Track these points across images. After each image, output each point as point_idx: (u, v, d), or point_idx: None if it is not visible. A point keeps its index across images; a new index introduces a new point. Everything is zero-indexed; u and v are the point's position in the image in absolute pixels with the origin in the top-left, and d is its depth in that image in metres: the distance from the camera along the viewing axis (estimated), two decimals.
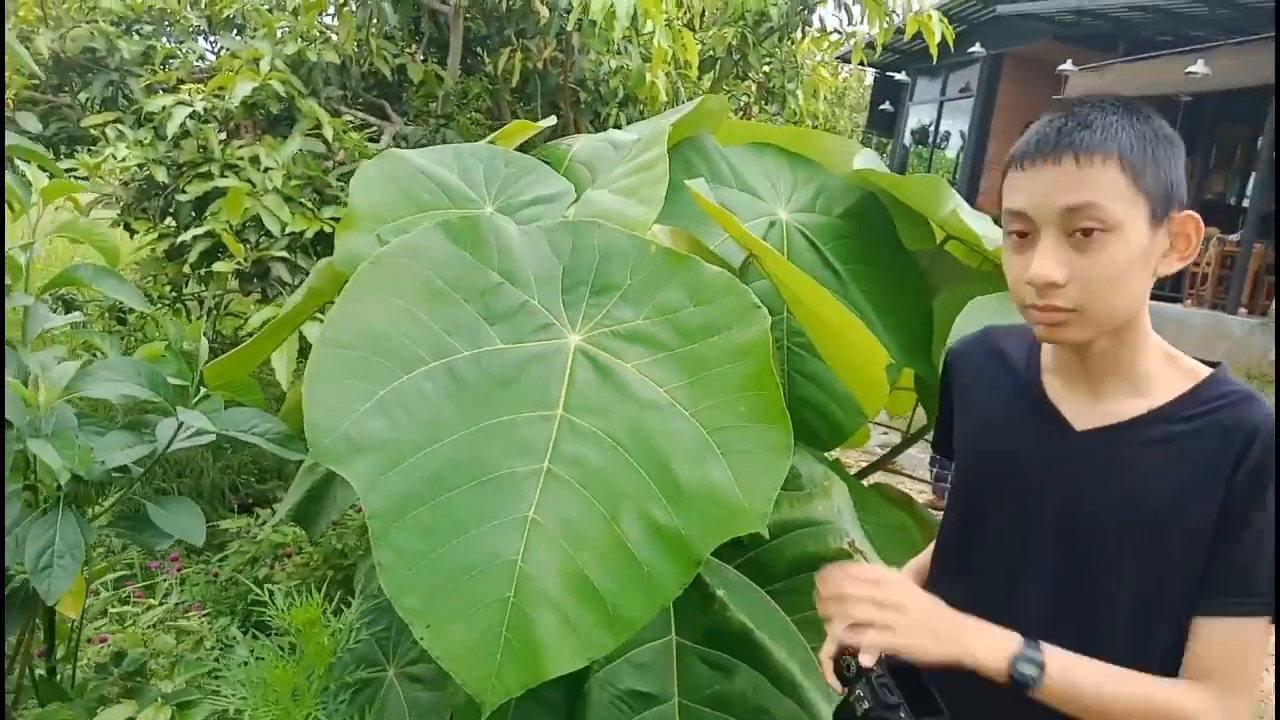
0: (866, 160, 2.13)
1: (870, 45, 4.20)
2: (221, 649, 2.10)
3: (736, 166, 2.08)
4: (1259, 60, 10.48)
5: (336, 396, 1.25)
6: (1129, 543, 1.04)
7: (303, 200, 3.33)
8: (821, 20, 3.96)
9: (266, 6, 3.83)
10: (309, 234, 3.32)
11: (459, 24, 4.30)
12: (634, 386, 1.30)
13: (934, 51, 4.03)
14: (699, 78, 4.14)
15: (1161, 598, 1.02)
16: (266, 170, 3.29)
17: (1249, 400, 1.03)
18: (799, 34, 4.39)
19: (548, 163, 1.93)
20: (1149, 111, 1.04)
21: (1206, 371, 1.07)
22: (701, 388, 1.29)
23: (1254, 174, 13.92)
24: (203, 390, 1.49)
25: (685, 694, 1.54)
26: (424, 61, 4.35)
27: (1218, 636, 1.00)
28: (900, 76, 16.79)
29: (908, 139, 17.51)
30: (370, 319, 1.32)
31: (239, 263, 3.13)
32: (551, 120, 2.35)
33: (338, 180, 3.45)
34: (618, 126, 3.88)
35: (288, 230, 3.23)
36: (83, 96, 4.00)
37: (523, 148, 2.11)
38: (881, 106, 16.97)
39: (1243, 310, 10.73)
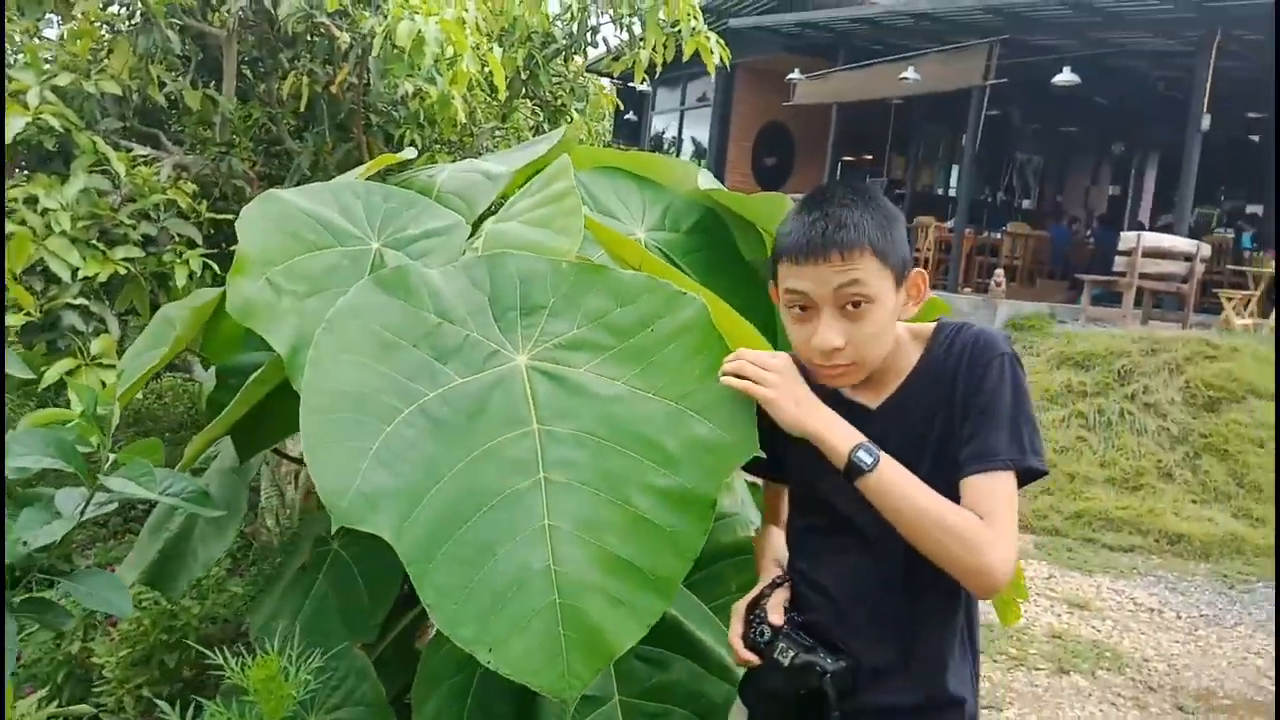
0: (708, 181, 2.30)
1: (650, 67, 4.42)
2: None
3: (592, 190, 2.19)
4: (960, 67, 11.77)
5: (338, 461, 1.29)
6: (923, 466, 1.33)
7: (92, 241, 3.10)
8: (605, 41, 4.13)
9: (24, 33, 3.52)
10: (101, 277, 3.10)
11: (233, 48, 4.13)
12: (593, 386, 1.40)
13: (711, 70, 4.30)
14: (506, 99, 4.21)
15: (951, 485, 1.31)
16: (46, 212, 3.04)
17: (965, 326, 1.41)
18: (583, 54, 4.55)
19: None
20: (876, 194, 1.38)
21: (932, 326, 1.43)
22: (652, 371, 1.42)
23: (957, 167, 15.58)
24: (110, 457, 1.42)
25: (625, 691, 1.65)
26: (196, 87, 4.14)
27: (975, 488, 1.29)
28: (642, 87, 17.41)
29: (648, 147, 18.21)
30: (339, 381, 1.35)
31: (28, 314, 2.88)
32: (413, 151, 2.36)
33: (129, 219, 3.24)
34: (414, 147, 3.87)
35: (79, 275, 3.00)
36: None
37: (373, 180, 2.12)
38: (626, 116, 17.52)
39: (965, 289, 12.01)
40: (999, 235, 13.81)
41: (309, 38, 4.01)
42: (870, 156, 17.01)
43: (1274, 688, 3.63)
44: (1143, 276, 10.01)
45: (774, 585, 1.43)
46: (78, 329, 3.07)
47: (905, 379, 1.40)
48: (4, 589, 1.31)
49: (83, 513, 1.39)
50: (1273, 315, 10.22)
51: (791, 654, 1.33)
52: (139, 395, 4.38)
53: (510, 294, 1.50)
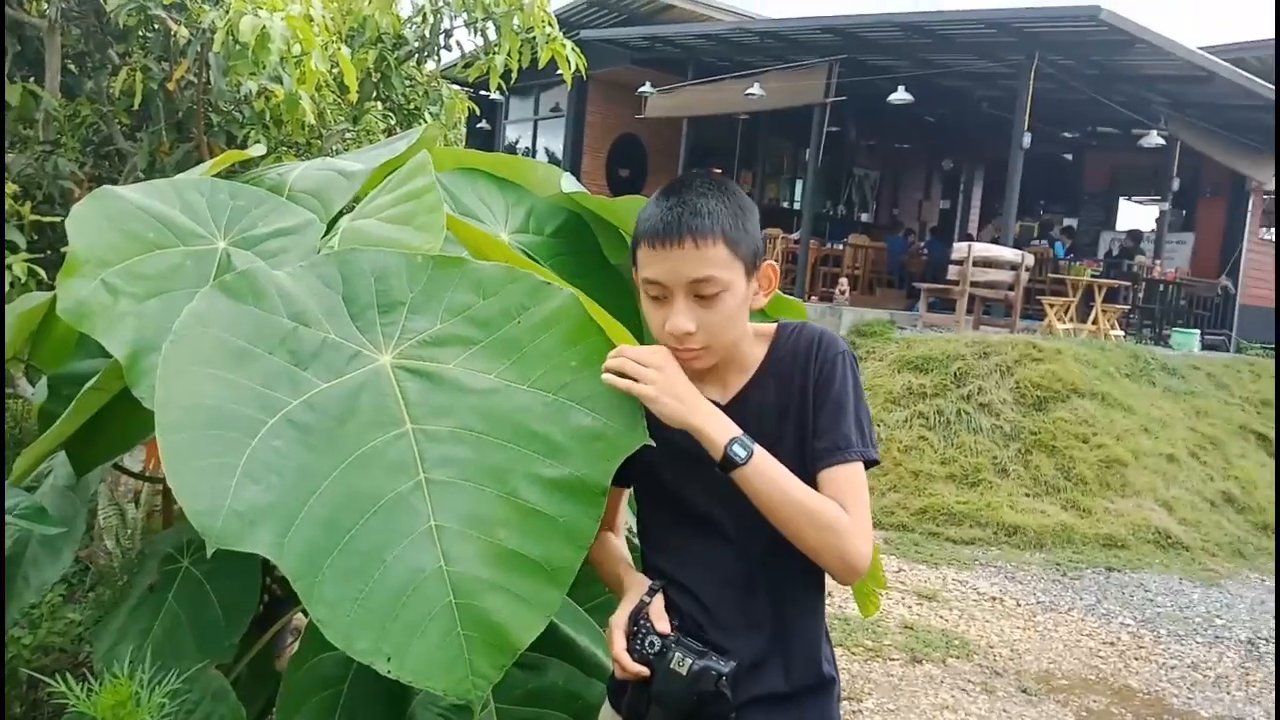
0: (571, 184, 2.29)
1: (505, 74, 4.37)
2: None
3: (453, 191, 2.14)
4: (802, 84, 12.19)
5: (204, 480, 1.19)
6: (783, 458, 1.36)
7: None
8: (460, 46, 4.02)
9: None
10: None
11: (55, 41, 3.85)
12: (465, 381, 1.36)
13: (568, 80, 4.29)
14: (344, 99, 4.07)
15: (804, 475, 1.36)
16: None
17: (805, 326, 1.48)
18: (436, 59, 4.46)
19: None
20: (731, 186, 1.43)
21: (774, 326, 1.49)
22: (525, 362, 1.38)
23: (801, 181, 16.11)
24: None
25: (500, 699, 1.61)
26: (12, 81, 3.85)
27: (833, 479, 1.35)
28: (495, 96, 17.27)
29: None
30: (193, 396, 1.26)
31: None
32: (262, 148, 2.25)
33: None
34: (266, 150, 3.71)
35: None
36: None
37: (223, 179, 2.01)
38: (479, 124, 17.33)
39: (812, 298, 12.41)
40: (841, 246, 14.36)
41: (142, 32, 3.78)
42: (719, 169, 17.40)
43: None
44: (974, 284, 10.59)
45: (651, 592, 1.42)
46: None
47: (752, 375, 1.45)
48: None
49: None
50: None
51: (689, 662, 1.33)
52: None
53: (366, 292, 1.43)
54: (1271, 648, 5.26)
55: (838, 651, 4.67)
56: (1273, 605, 6.01)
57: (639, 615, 1.38)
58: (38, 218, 3.33)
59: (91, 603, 2.63)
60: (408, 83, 4.33)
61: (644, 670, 1.35)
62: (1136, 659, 4.99)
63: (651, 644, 1.35)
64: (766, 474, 1.31)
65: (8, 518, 1.35)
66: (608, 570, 1.53)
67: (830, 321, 10.40)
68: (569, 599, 1.74)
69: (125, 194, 1.68)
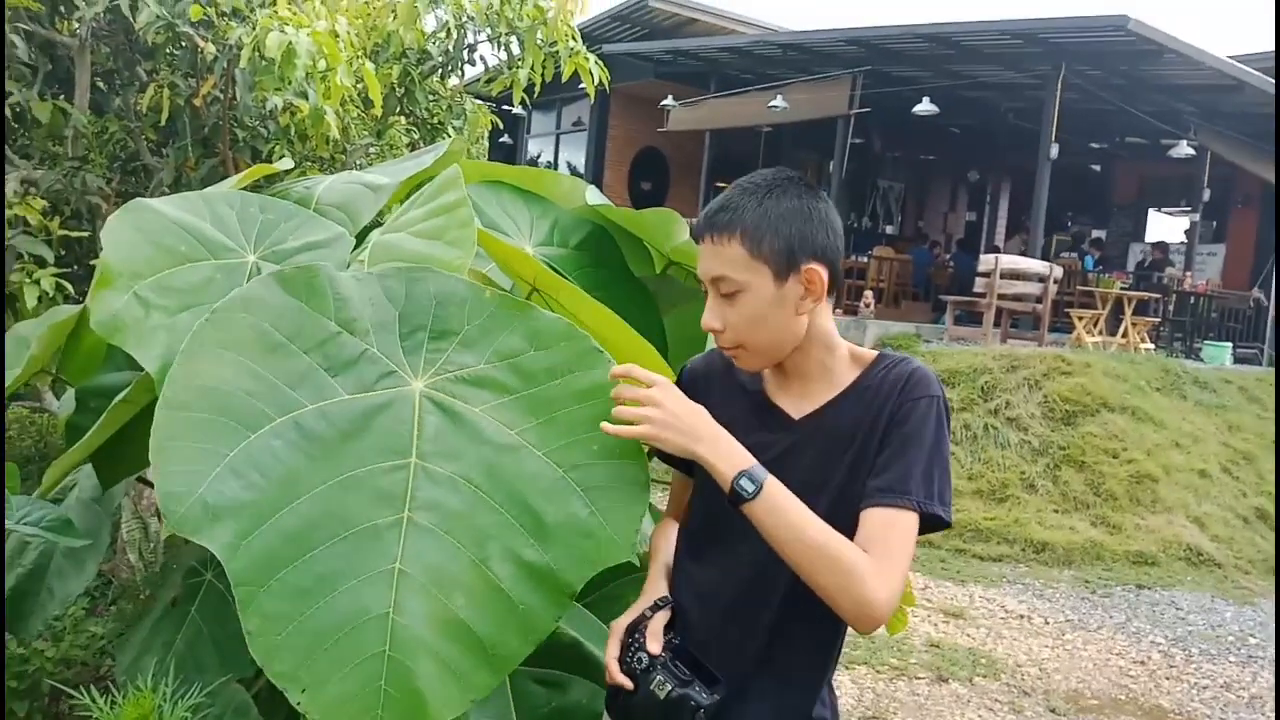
0: (596, 196, 2.28)
1: (528, 88, 4.38)
2: None
3: (478, 204, 2.14)
4: (826, 96, 12.17)
5: (186, 463, 1.17)
6: (830, 486, 1.33)
7: None
8: (484, 59, 4.03)
9: None
10: None
11: (86, 59, 3.90)
12: (485, 429, 1.31)
13: (591, 92, 4.30)
14: (381, 115, 4.09)
15: (851, 511, 1.30)
16: None
17: (904, 360, 1.39)
18: (460, 73, 4.49)
19: None
20: (798, 185, 1.36)
21: (875, 354, 1.42)
22: (551, 428, 1.33)
23: (825, 193, 16.03)
24: None
25: (523, 716, 1.60)
26: (43, 98, 3.90)
27: (875, 520, 1.27)
28: (518, 110, 17.38)
29: None
30: (208, 377, 1.24)
31: None
32: (289, 162, 2.26)
33: None
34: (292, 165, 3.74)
35: None
36: None
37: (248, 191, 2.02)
38: (501, 139, 17.43)
39: (836, 311, 12.34)
40: (866, 259, 14.30)
41: (170, 49, 3.82)
42: None
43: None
44: (1001, 297, 10.51)
45: (655, 608, 1.40)
46: None
47: (835, 397, 1.38)
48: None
49: None
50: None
51: (668, 687, 1.30)
52: None
53: (423, 314, 1.40)
54: None
55: (862, 670, 4.62)
56: None
57: (637, 628, 1.37)
58: (66, 233, 3.37)
59: (114, 616, 2.64)
60: (431, 97, 4.35)
61: (627, 682, 1.33)
62: (1168, 678, 4.90)
63: (640, 660, 1.34)
64: (778, 510, 1.25)
65: (34, 530, 1.35)
66: (651, 567, 1.51)
67: (854, 335, 10.34)
68: (593, 616, 1.72)
69: (158, 206, 1.68)
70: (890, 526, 1.26)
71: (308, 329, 1.32)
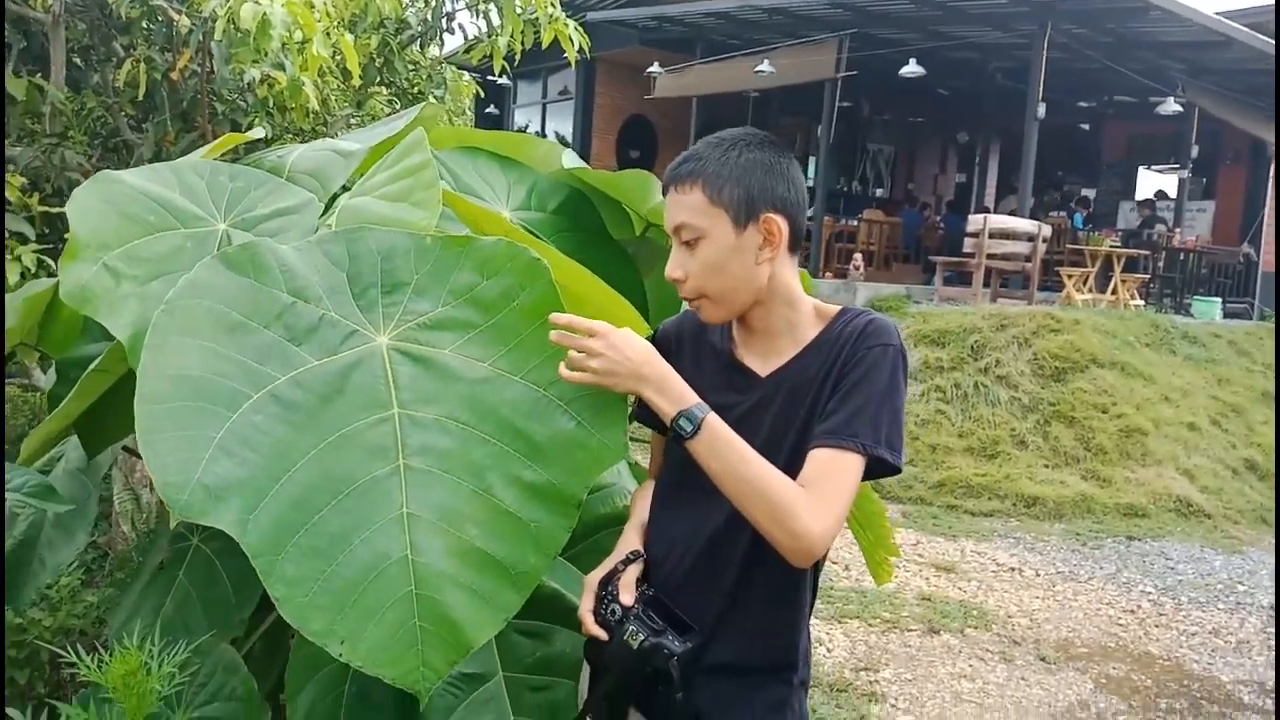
0: (573, 160, 2.28)
1: (508, 56, 4.36)
2: None
3: (454, 170, 2.14)
4: (812, 60, 12.09)
5: (176, 451, 1.19)
6: (790, 438, 1.37)
7: None
8: (463, 28, 4.01)
9: None
10: None
11: (60, 34, 3.87)
12: (457, 368, 1.35)
13: (572, 59, 4.28)
14: (360, 84, 4.08)
15: (796, 466, 1.33)
16: None
17: (864, 313, 1.43)
18: (439, 42, 4.46)
19: None
20: (764, 144, 1.40)
21: (838, 308, 1.46)
22: (521, 351, 1.37)
23: (814, 158, 16.00)
24: None
25: (508, 666, 1.62)
26: (18, 75, 3.87)
27: (817, 459, 1.31)
28: (503, 80, 17.27)
29: None
30: (178, 366, 1.25)
31: None
32: (261, 131, 2.26)
33: None
34: (267, 138, 3.73)
35: None
36: None
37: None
38: (487, 110, 17.33)
39: (826, 274, 12.36)
40: (856, 222, 14.28)
41: (145, 23, 3.80)
42: None
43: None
44: (990, 257, 10.51)
45: (628, 561, 1.43)
46: None
47: (799, 352, 1.41)
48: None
49: None
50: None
51: (641, 637, 1.33)
52: None
53: (371, 271, 1.43)
54: None
55: (855, 624, 4.68)
56: None
57: (610, 580, 1.40)
58: (46, 209, 3.36)
59: (109, 584, 2.67)
60: (411, 67, 4.33)
61: (601, 633, 1.36)
62: (1157, 626, 4.97)
63: (613, 611, 1.37)
64: (716, 447, 1.29)
65: (17, 497, 1.37)
66: (630, 518, 1.55)
67: (844, 298, 10.35)
68: (575, 569, 1.75)
69: (125, 178, 1.69)
70: (831, 465, 1.29)
71: (262, 304, 1.34)
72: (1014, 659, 4.42)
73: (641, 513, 1.53)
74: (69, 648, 1.33)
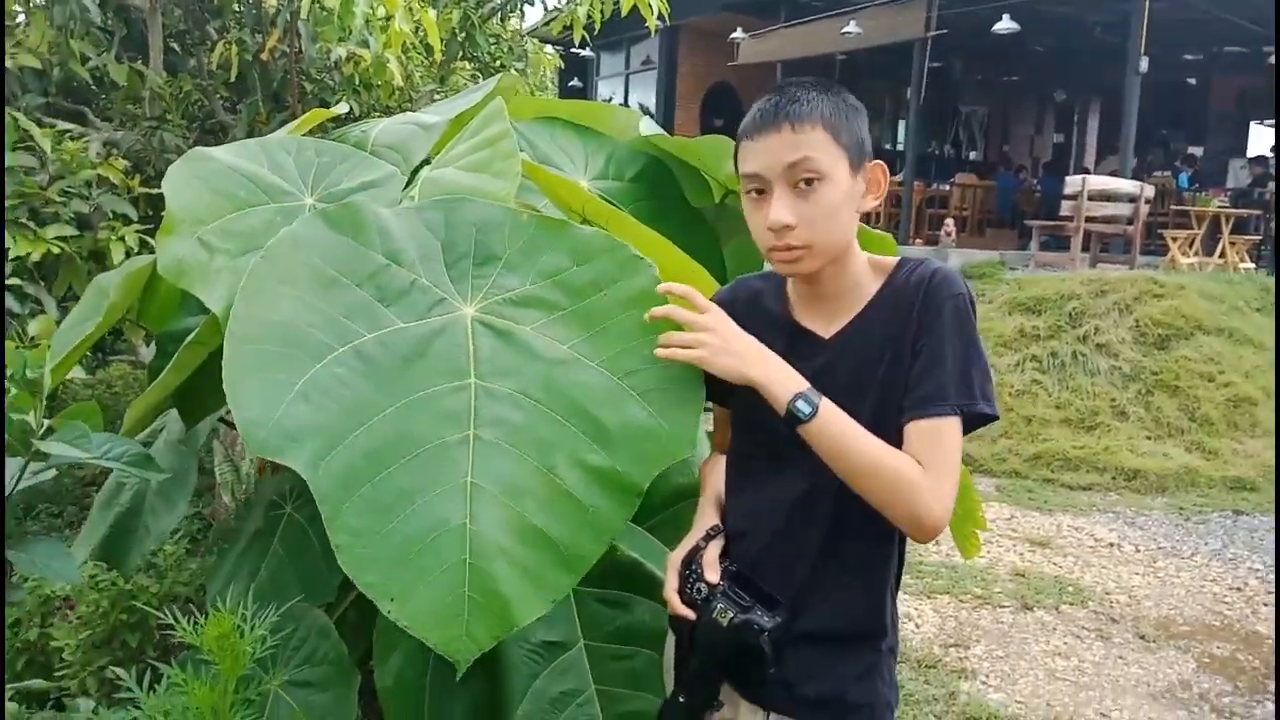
0: (650, 127, 2.27)
1: (589, 25, 4.35)
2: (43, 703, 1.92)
3: (532, 140, 2.15)
4: (901, 19, 11.77)
5: (260, 391, 1.23)
6: (868, 401, 1.31)
7: (22, 220, 3.00)
8: (544, 3, 4.04)
9: None
10: (34, 257, 3.01)
11: (157, 20, 4.00)
12: (537, 347, 1.36)
13: (652, 26, 4.24)
14: (442, 59, 4.12)
15: (891, 422, 1.30)
16: None
17: (925, 262, 1.36)
18: (520, 15, 4.47)
19: None
20: (839, 87, 1.35)
21: (894, 260, 1.40)
22: (602, 339, 1.37)
23: (904, 121, 15.63)
24: (45, 423, 1.37)
25: (589, 635, 1.64)
26: (121, 61, 4.02)
27: (920, 432, 1.27)
28: (585, 52, 17.26)
29: None
30: (272, 312, 1.30)
31: None
32: (345, 107, 2.30)
33: (59, 196, 3.14)
34: (353, 114, 3.80)
35: (11, 256, 2.91)
36: None
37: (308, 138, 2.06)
38: (571, 83, 17.36)
39: (916, 241, 12.09)
40: (947, 187, 13.91)
41: (236, 6, 3.89)
42: None
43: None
44: (1089, 220, 10.14)
45: (708, 537, 1.41)
46: (13, 311, 2.98)
47: (861, 310, 1.36)
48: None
49: (19, 481, 1.34)
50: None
51: (730, 614, 1.32)
52: (90, 386, 4.27)
53: (465, 242, 1.45)
54: None
55: (945, 600, 4.60)
56: None
57: (693, 559, 1.38)
58: (147, 190, 3.49)
59: (210, 553, 2.78)
60: (492, 41, 4.35)
61: (689, 613, 1.35)
62: (1265, 605, 4.76)
63: (699, 590, 1.35)
64: (832, 431, 1.26)
65: (115, 464, 1.43)
66: (702, 493, 1.53)
67: None
68: (655, 539, 1.76)
69: (216, 155, 1.73)
70: (936, 436, 1.26)
71: (357, 263, 1.37)
72: (1111, 637, 4.29)
73: (716, 486, 1.50)
74: (171, 612, 1.38)
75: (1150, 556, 5.40)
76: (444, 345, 1.33)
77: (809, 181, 1.28)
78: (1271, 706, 3.66)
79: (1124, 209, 10.38)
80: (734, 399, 1.40)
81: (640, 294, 1.40)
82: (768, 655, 1.30)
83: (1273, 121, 15.60)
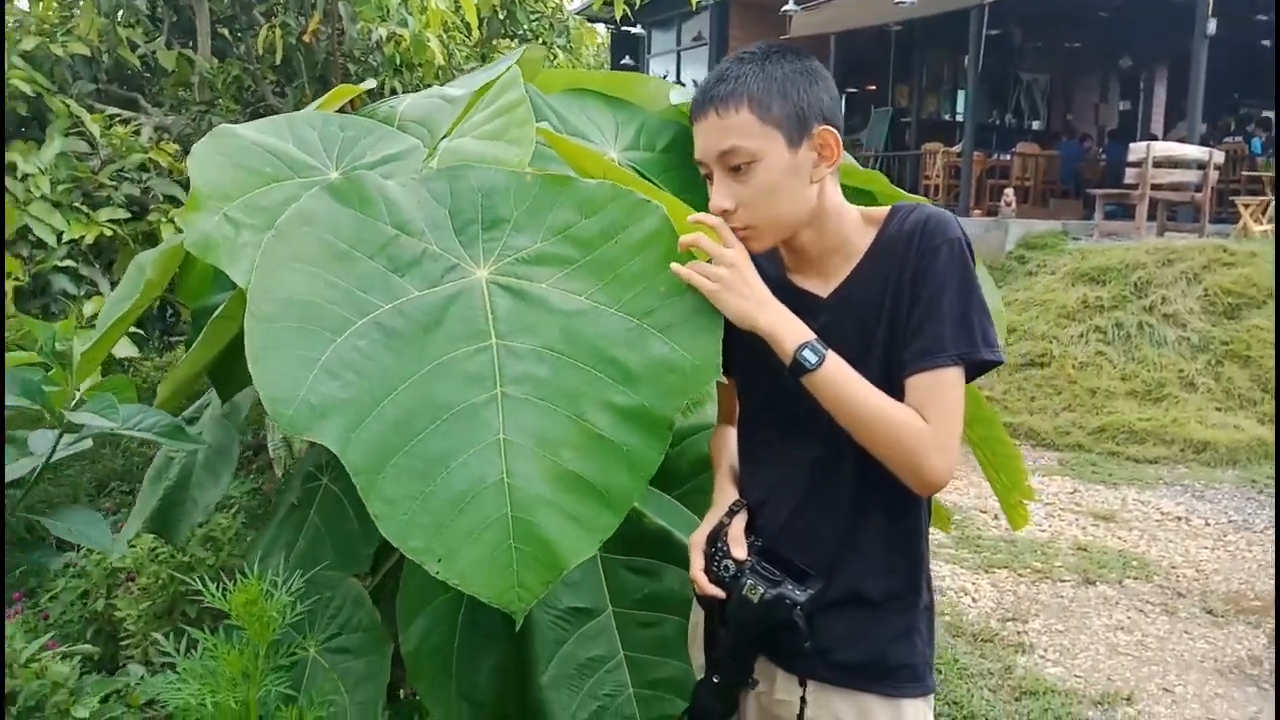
0: (681, 95, 2.23)
1: (631, 2, 4.31)
2: (111, 670, 1.98)
3: (561, 112, 2.13)
4: None
5: (284, 369, 1.25)
6: (874, 356, 1.28)
7: (75, 205, 3.08)
8: None
9: None
10: (88, 240, 3.09)
11: (204, 7, 4.07)
12: (554, 301, 1.35)
13: (693, 2, 4.19)
14: (479, 37, 4.13)
15: (892, 381, 1.26)
16: (26, 177, 3.02)
17: (918, 209, 1.30)
18: None
19: None
20: (791, 52, 1.29)
21: (887, 210, 1.33)
22: (617, 285, 1.36)
23: (963, 91, 15.29)
24: (77, 394, 1.40)
25: (618, 602, 1.63)
26: (170, 48, 4.09)
27: (920, 385, 1.24)
28: (636, 30, 17.18)
29: None
30: (287, 289, 1.30)
31: (16, 279, 2.87)
32: (372, 82, 2.31)
33: (110, 180, 3.21)
34: (394, 93, 3.81)
35: (65, 239, 2.99)
36: None
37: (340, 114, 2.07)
38: (623, 61, 17.31)
39: (976, 212, 11.84)
40: (1008, 157, 13.58)
41: None
42: (874, 86, 16.73)
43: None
44: (1155, 187, 9.83)
45: (731, 513, 1.38)
46: (69, 293, 3.06)
47: (857, 265, 1.32)
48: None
49: (54, 450, 1.37)
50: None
51: (760, 590, 1.29)
52: (160, 368, 4.39)
53: (471, 207, 1.44)
54: None
55: (1003, 574, 4.52)
56: None
57: (718, 536, 1.35)
58: None
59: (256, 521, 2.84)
60: (534, 17, 4.33)
61: (719, 592, 1.32)
62: None
63: (726, 568, 1.32)
64: (838, 381, 1.23)
65: (146, 434, 1.45)
66: (716, 475, 1.50)
67: (995, 236, 9.90)
68: (683, 507, 1.74)
69: (241, 131, 1.75)
70: (936, 388, 1.23)
71: (367, 235, 1.37)
72: (1177, 611, 4.18)
73: (729, 458, 1.48)
74: (201, 580, 1.40)
75: (1220, 530, 5.25)
76: (461, 309, 1.33)
77: (739, 167, 1.26)
78: None
79: (1191, 176, 10.04)
80: (736, 365, 1.38)
81: (651, 235, 1.39)
82: (802, 630, 1.28)
83: None
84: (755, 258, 1.37)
